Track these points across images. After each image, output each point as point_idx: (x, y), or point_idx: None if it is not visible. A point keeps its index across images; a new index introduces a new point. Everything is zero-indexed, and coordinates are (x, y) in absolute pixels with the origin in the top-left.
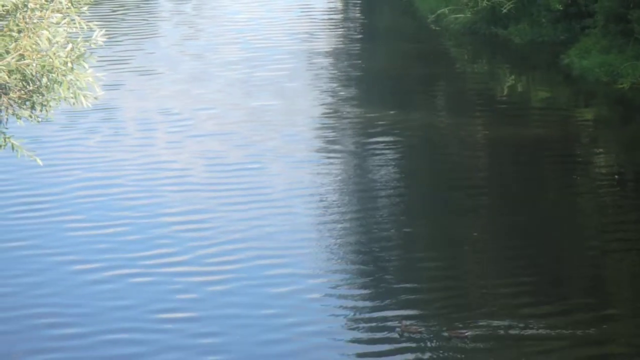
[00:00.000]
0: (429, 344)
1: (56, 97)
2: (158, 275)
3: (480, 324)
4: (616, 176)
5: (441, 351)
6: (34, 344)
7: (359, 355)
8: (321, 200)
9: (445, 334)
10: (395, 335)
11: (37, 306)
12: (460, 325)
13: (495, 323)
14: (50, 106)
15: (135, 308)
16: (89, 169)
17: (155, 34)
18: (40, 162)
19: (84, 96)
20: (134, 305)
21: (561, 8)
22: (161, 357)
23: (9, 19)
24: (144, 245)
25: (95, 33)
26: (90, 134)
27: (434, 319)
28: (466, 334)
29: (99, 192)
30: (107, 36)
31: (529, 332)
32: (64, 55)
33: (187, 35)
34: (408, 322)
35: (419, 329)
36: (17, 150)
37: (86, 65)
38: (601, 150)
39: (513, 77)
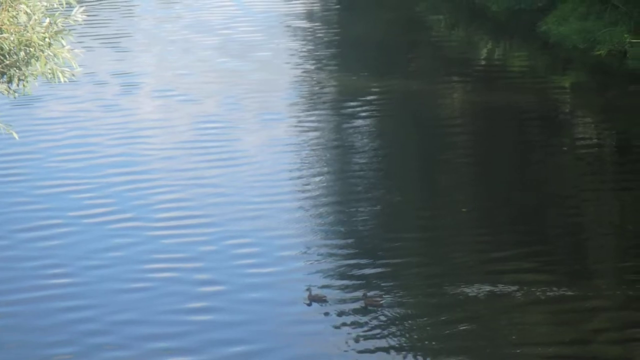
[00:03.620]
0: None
1: (34, 72)
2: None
3: (458, 290)
4: (594, 140)
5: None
6: None
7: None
8: (296, 165)
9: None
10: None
11: None
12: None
13: (470, 289)
14: (27, 81)
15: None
16: (64, 131)
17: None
18: (16, 136)
19: (61, 72)
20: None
21: None
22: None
23: None
24: (94, 203)
25: (75, 10)
26: (67, 99)
27: (410, 287)
28: (381, 302)
29: (73, 156)
30: (86, 13)
31: (509, 295)
32: (42, 31)
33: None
34: (370, 294)
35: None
36: None
37: (64, 42)
38: (578, 115)
39: (490, 44)
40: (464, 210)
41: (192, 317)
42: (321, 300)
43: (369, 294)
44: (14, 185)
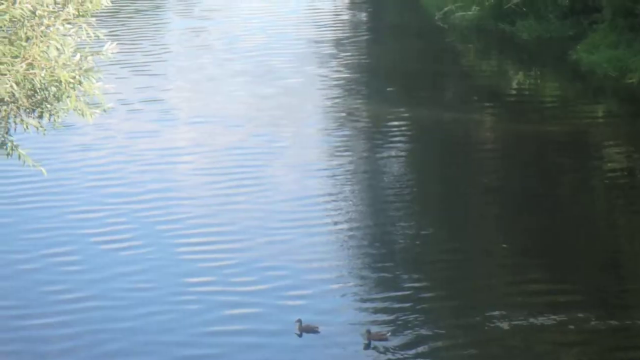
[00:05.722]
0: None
1: (64, 108)
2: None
3: (489, 324)
4: (626, 169)
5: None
6: None
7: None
8: (324, 192)
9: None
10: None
11: None
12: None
13: (505, 322)
14: (58, 116)
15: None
16: (94, 158)
17: (162, 39)
18: (44, 172)
19: (90, 113)
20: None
21: (568, 3)
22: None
23: (18, 27)
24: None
25: (106, 46)
26: (98, 126)
27: (440, 320)
28: (387, 334)
29: (103, 182)
30: (117, 45)
31: (541, 327)
32: (73, 65)
33: (195, 32)
34: (373, 330)
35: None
36: (23, 160)
37: (94, 81)
38: (611, 144)
39: (521, 73)
40: (504, 246)
41: (226, 339)
42: (313, 331)
43: (372, 329)
44: (46, 210)
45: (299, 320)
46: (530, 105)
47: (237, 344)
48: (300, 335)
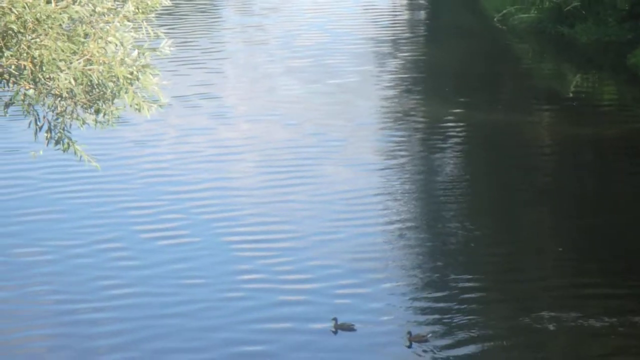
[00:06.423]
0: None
1: (121, 106)
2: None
3: (537, 325)
4: None
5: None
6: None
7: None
8: (376, 189)
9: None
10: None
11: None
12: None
13: (554, 324)
14: (112, 114)
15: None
16: (150, 151)
17: (219, 36)
18: (99, 167)
19: (147, 107)
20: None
21: (627, 7)
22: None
23: (77, 24)
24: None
25: (163, 42)
26: (154, 121)
27: (487, 321)
28: (428, 336)
29: (159, 172)
30: (174, 41)
31: (591, 325)
32: (130, 62)
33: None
34: (414, 333)
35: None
36: (79, 155)
37: (152, 77)
38: None
39: (579, 76)
40: (560, 249)
41: (270, 327)
42: (349, 329)
43: (413, 332)
44: (100, 201)
45: (335, 319)
46: (587, 108)
47: (281, 334)
48: (335, 333)
